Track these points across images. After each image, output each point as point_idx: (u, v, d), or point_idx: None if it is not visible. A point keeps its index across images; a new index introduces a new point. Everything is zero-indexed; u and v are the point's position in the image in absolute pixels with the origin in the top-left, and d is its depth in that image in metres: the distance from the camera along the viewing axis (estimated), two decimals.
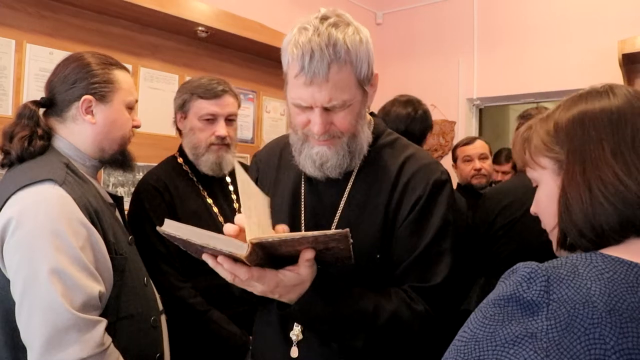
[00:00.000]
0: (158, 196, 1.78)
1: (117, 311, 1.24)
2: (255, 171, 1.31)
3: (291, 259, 0.94)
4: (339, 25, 1.03)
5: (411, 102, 2.24)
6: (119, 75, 1.37)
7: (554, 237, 0.79)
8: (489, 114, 3.93)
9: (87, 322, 1.12)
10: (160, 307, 1.45)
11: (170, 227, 0.89)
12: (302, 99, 1.04)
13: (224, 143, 1.83)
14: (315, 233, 0.85)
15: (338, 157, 1.10)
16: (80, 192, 1.22)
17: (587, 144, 0.73)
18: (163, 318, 1.45)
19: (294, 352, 1.11)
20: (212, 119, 1.82)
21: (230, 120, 1.86)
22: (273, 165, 1.27)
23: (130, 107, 1.41)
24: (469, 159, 2.97)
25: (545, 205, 0.81)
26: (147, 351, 1.33)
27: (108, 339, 1.17)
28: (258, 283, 0.93)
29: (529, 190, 2.41)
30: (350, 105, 1.06)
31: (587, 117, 0.74)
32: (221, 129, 1.81)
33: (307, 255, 0.91)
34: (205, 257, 0.93)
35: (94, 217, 1.22)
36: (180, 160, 1.91)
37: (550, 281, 0.63)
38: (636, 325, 0.58)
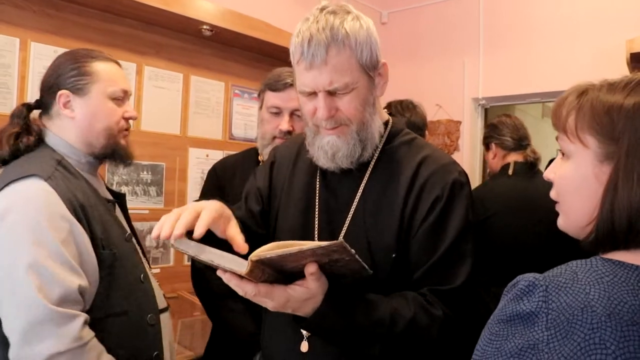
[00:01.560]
0: (214, 178, 1.88)
1: (105, 307, 1.25)
2: (272, 157, 1.32)
3: (302, 273, 0.93)
4: (337, 12, 1.05)
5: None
6: (97, 66, 1.36)
7: (583, 230, 0.71)
8: (494, 114, 3.90)
9: (64, 316, 1.13)
10: (162, 304, 1.44)
11: (180, 244, 0.93)
12: (305, 85, 1.06)
13: (287, 137, 1.79)
14: (312, 245, 0.84)
15: (349, 146, 1.10)
16: (65, 187, 1.23)
17: None
18: (164, 316, 1.44)
19: (304, 346, 1.10)
20: (278, 112, 1.80)
21: (297, 115, 1.79)
22: (290, 159, 1.28)
23: (115, 98, 1.39)
24: None
25: (572, 186, 0.72)
26: (142, 349, 1.32)
27: (89, 334, 1.17)
28: (267, 299, 0.93)
29: (492, 194, 2.49)
30: (354, 89, 1.06)
31: None
32: (284, 122, 1.77)
33: (310, 269, 0.90)
34: (219, 273, 0.93)
35: (79, 212, 1.23)
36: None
37: (549, 290, 0.62)
38: (638, 328, 0.57)
